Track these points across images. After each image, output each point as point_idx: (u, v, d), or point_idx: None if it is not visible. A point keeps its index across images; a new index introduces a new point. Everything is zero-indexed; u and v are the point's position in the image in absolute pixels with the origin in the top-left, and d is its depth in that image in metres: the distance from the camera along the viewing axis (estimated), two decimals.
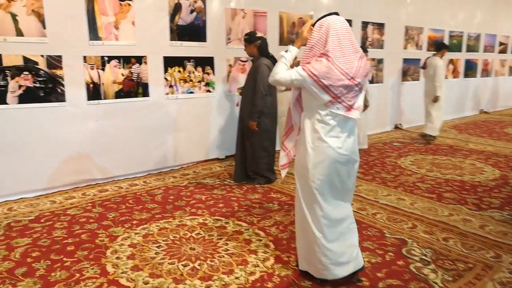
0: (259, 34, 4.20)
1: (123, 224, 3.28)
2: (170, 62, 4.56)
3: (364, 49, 5.17)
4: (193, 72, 4.78)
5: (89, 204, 3.71)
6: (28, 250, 2.84)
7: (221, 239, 3.04)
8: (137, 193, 4.02)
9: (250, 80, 4.12)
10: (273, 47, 5.33)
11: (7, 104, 3.62)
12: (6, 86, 3.60)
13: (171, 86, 4.63)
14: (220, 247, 2.91)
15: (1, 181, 3.70)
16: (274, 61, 4.11)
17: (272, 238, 3.06)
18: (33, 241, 2.97)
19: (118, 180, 4.38)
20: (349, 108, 2.22)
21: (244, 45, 4.17)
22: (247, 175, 4.35)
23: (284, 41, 5.49)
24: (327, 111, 2.21)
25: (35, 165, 3.85)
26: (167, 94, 4.61)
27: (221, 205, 3.74)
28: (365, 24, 6.64)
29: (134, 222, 3.33)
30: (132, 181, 4.38)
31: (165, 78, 4.57)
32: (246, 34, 4.17)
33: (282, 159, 2.58)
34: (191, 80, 4.77)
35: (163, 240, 3.00)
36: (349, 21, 6.25)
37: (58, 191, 4.00)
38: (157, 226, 3.26)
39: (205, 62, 4.85)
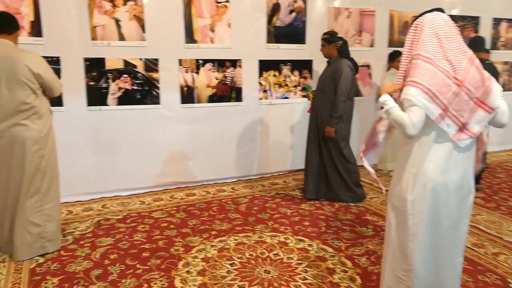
0: (339, 35, 3.79)
1: (202, 234, 3.15)
2: (265, 65, 4.36)
3: (485, 50, 4.29)
4: (289, 76, 4.51)
5: (174, 208, 3.68)
6: (108, 251, 2.86)
7: (300, 264, 2.70)
8: (223, 200, 3.89)
9: (328, 83, 3.71)
10: (381, 49, 4.80)
11: (107, 105, 3.78)
12: (107, 88, 3.76)
13: (265, 91, 4.43)
14: (298, 274, 2.57)
15: (99, 178, 3.88)
16: (354, 64, 3.68)
17: (360, 271, 2.62)
18: (115, 242, 3.00)
19: (207, 184, 4.31)
20: (462, 128, 1.71)
21: (322, 44, 3.77)
22: (324, 190, 3.91)
23: (394, 43, 4.90)
24: (435, 130, 1.73)
25: (130, 164, 3.96)
26: (261, 99, 4.42)
27: (306, 223, 3.39)
28: (497, 22, 5.63)
29: (213, 232, 3.18)
30: (220, 186, 4.28)
31: (259, 83, 4.38)
32: (326, 34, 3.79)
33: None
34: (286, 85, 4.51)
35: (238, 258, 2.78)
36: (476, 18, 5.59)
37: (149, 191, 4.08)
38: (235, 240, 3.05)
39: (303, 66, 4.54)
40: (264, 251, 2.88)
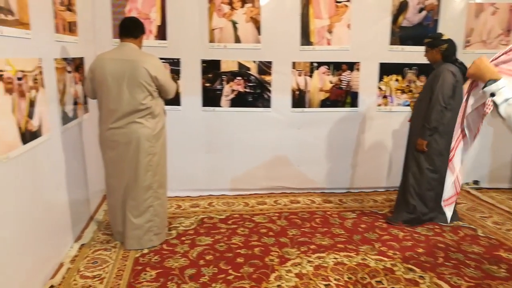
0: (444, 37, 3.18)
1: (300, 246, 2.97)
2: (387, 69, 3.97)
3: None
4: (414, 82, 4.03)
5: (276, 214, 3.57)
6: (205, 251, 2.88)
7: None
8: (328, 212, 3.65)
9: (426, 90, 3.21)
10: None
11: (220, 106, 3.87)
12: (221, 90, 3.84)
13: (385, 97, 4.03)
14: None
15: (208, 176, 3.99)
16: (462, 67, 3.10)
17: None
18: (213, 242, 3.02)
19: (314, 193, 4.12)
20: None
21: (425, 49, 3.25)
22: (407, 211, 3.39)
23: None
24: None
25: (238, 165, 4.00)
26: (379, 105, 4.04)
27: (420, 250, 2.96)
28: None
29: (312, 246, 2.98)
30: (327, 196, 4.05)
31: (379, 88, 4.01)
32: (429, 37, 3.25)
33: (448, 190, 1.74)
34: (410, 91, 4.04)
35: (335, 279, 2.53)
36: None
37: (254, 193, 4.05)
38: (335, 258, 2.81)
39: (431, 70, 4.01)
40: (366, 276, 2.58)
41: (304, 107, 3.95)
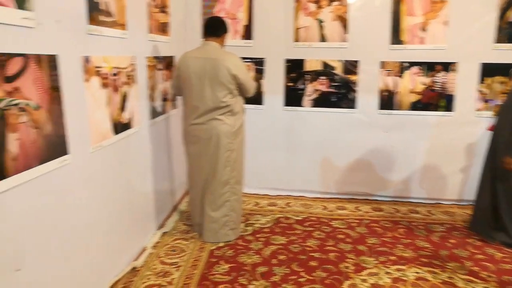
0: None
1: (378, 256, 2.80)
2: (490, 70, 3.57)
3: None
4: None
5: (356, 221, 3.42)
6: (278, 250, 2.86)
7: None
8: (413, 223, 3.40)
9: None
10: None
11: (302, 106, 3.82)
12: (304, 89, 3.79)
13: (486, 101, 3.63)
14: None
15: (288, 175, 3.97)
16: None
17: None
18: (288, 243, 2.99)
19: (398, 201, 3.86)
20: None
21: None
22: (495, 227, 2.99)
23: None
24: None
25: (318, 167, 3.92)
26: (479, 110, 3.64)
27: None
28: None
29: (392, 257, 2.79)
30: (413, 207, 3.76)
31: (480, 90, 3.62)
32: None
33: None
34: None
35: None
36: None
37: (334, 197, 3.93)
38: (416, 273, 2.60)
39: None
40: None
41: (392, 109, 3.72)
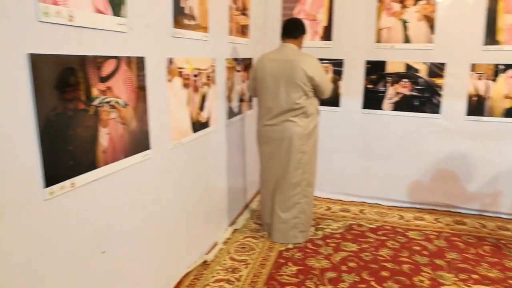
0: None
1: (458, 273, 2.61)
2: None
3: None
4: None
5: (435, 233, 3.21)
6: (349, 257, 2.79)
7: None
8: (501, 241, 3.10)
9: None
10: None
11: (382, 109, 3.68)
12: (384, 92, 3.64)
13: None
14: None
15: (363, 182, 3.85)
16: None
17: None
18: (359, 250, 2.90)
19: (486, 216, 3.55)
20: None
21: None
22: None
23: None
24: None
25: (396, 174, 3.74)
26: None
27: None
28: None
29: (475, 276, 2.58)
30: (504, 223, 3.43)
31: None
32: None
33: None
34: None
35: None
36: None
37: (412, 207, 3.73)
38: None
39: None
40: None
41: (482, 115, 3.43)
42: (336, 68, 3.72)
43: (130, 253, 1.90)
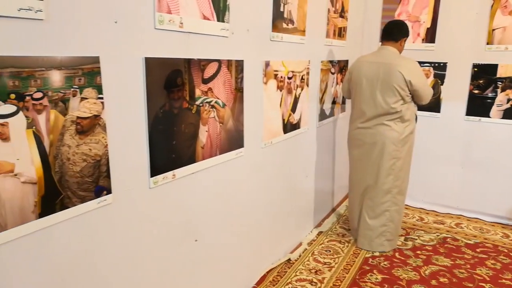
0: None
1: None
2: None
3: None
4: None
5: None
6: (440, 272, 2.64)
7: None
8: None
9: None
10: None
11: (489, 117, 3.38)
12: (493, 98, 3.34)
13: None
14: None
15: (462, 194, 3.58)
16: None
17: None
18: (452, 266, 2.72)
19: None
20: None
21: None
22: None
23: None
24: None
25: (501, 188, 3.42)
26: None
27: None
28: None
29: None
30: None
31: None
32: None
33: None
34: None
35: None
36: None
37: None
38: None
39: None
40: None
41: None
42: (438, 72, 3.50)
43: (218, 244, 2.03)
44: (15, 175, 1.06)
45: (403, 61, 2.62)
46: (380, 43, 2.79)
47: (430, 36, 3.48)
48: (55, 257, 1.20)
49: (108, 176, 1.34)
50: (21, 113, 1.06)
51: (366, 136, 2.76)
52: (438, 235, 3.19)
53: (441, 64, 3.48)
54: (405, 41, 2.77)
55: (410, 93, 2.64)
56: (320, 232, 3.16)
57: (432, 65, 3.50)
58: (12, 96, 1.03)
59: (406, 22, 3.02)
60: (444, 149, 3.58)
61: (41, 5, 1.06)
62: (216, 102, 1.84)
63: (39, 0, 1.05)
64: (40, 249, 1.15)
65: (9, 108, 1.03)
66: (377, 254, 2.85)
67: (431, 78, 3.51)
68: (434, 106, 3.50)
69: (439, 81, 3.51)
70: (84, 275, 1.31)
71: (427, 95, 2.69)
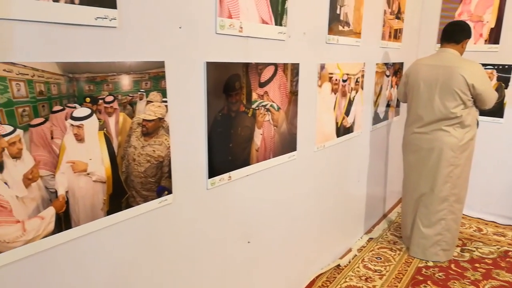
0: None
1: None
2: None
3: None
4: None
5: None
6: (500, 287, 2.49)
7: None
8: None
9: None
10: None
11: None
12: None
13: None
14: None
15: None
16: None
17: None
18: None
19: None
20: None
21: None
22: None
23: None
24: None
25: None
26: None
27: None
28: None
29: None
30: None
31: None
32: None
33: None
34: None
35: None
36: None
37: None
38: None
39: None
40: None
41: None
42: (502, 75, 3.31)
43: (270, 246, 2.03)
44: (88, 174, 1.12)
45: (466, 64, 2.50)
46: (439, 45, 2.67)
47: (494, 36, 3.29)
48: (119, 254, 1.26)
49: (169, 176, 1.38)
50: (94, 116, 1.12)
51: (423, 142, 2.66)
52: (498, 248, 3.01)
53: (506, 67, 3.28)
54: (467, 42, 2.64)
55: (472, 97, 2.51)
56: (371, 239, 3.09)
57: (496, 67, 3.31)
58: (88, 99, 1.09)
59: (468, 22, 2.88)
60: (507, 157, 3.37)
61: (115, 14, 1.11)
62: (271, 105, 1.85)
63: (114, 9, 1.11)
64: (106, 245, 1.21)
65: (84, 111, 1.09)
66: (430, 264, 2.74)
67: (494, 81, 3.32)
68: (496, 110, 3.30)
69: (502, 84, 3.31)
70: (145, 272, 1.36)
71: (491, 99, 2.54)
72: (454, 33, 2.60)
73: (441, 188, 2.64)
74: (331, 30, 2.19)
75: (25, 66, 0.94)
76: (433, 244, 2.74)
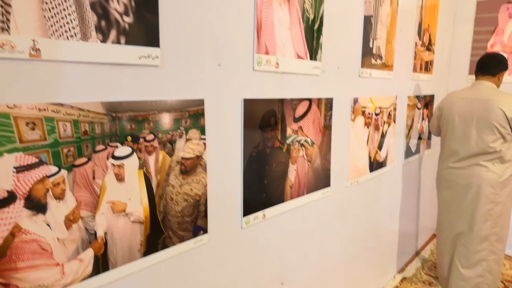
0: None
1: None
2: None
3: None
4: None
5: None
6: None
7: None
8: None
9: None
10: None
11: None
12: None
13: None
14: None
15: None
16: None
17: None
18: None
19: None
20: None
21: None
22: None
23: None
24: None
25: None
26: None
27: None
28: None
29: None
30: None
31: None
32: None
33: None
34: None
35: None
36: None
37: None
38: None
39: None
40: None
41: None
42: None
43: (303, 286, 1.94)
44: (127, 214, 1.10)
45: (504, 97, 2.42)
46: (472, 76, 2.61)
47: None
48: None
49: (205, 215, 1.34)
50: (135, 155, 1.10)
51: (459, 177, 2.55)
52: None
53: None
54: (503, 75, 2.57)
55: None
56: (404, 278, 2.94)
57: None
58: (129, 138, 1.08)
59: (501, 53, 2.82)
60: None
61: (158, 52, 1.11)
62: (305, 140, 1.81)
63: (157, 47, 1.11)
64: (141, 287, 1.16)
65: (126, 150, 1.07)
66: None
67: None
68: None
69: None
70: None
71: None
72: (490, 66, 2.54)
73: (481, 226, 2.51)
74: (364, 64, 2.17)
75: (72, 106, 0.94)
76: (473, 287, 2.59)
